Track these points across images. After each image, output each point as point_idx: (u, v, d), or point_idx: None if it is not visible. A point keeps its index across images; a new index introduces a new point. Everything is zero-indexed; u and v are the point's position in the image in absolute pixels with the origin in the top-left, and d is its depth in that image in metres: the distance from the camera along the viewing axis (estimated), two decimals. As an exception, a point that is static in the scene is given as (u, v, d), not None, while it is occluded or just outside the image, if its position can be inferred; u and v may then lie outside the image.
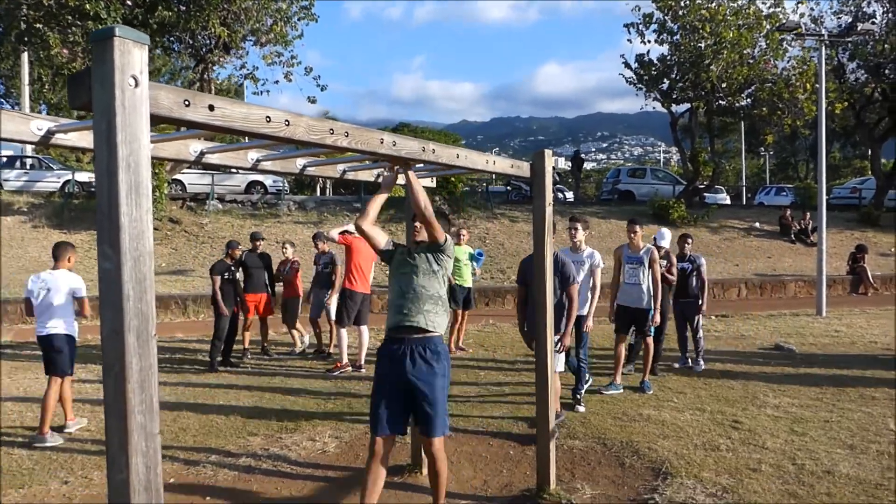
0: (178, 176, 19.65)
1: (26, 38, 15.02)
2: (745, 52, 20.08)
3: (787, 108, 20.91)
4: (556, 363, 5.10)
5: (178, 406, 6.35)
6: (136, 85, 1.73)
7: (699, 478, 4.41)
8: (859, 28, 15.69)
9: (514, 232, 18.74)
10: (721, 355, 8.59)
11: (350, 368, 7.90)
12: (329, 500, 4.24)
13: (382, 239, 3.69)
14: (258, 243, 8.97)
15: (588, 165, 48.95)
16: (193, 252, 16.36)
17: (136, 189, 1.73)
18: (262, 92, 18.10)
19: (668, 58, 21.78)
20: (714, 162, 23.78)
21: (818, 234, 13.77)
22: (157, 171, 15.50)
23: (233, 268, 8.38)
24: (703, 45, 20.20)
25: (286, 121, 2.32)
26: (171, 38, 16.53)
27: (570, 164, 30.66)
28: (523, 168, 4.15)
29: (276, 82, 18.15)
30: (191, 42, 16.78)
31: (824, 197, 13.79)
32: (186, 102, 1.96)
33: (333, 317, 8.32)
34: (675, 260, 7.74)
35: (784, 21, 19.26)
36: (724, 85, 20.80)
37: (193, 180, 20.60)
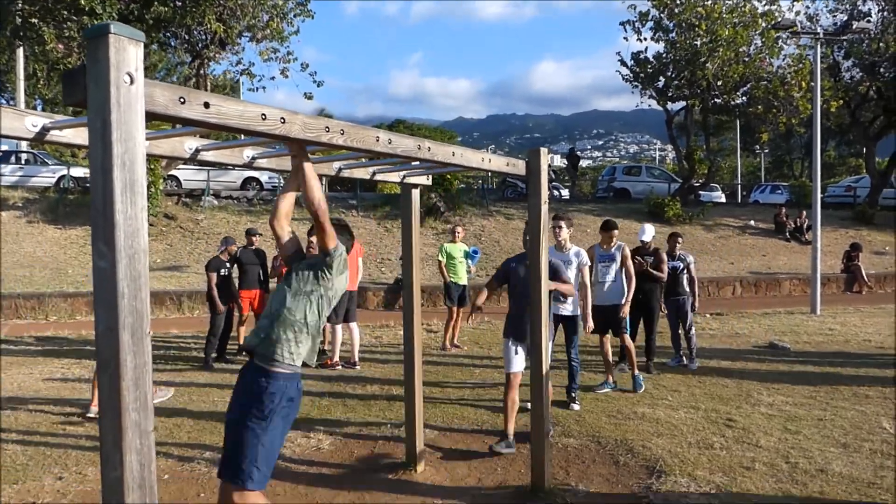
0: (173, 172, 19.58)
1: (21, 33, 14.93)
2: (740, 49, 20.11)
3: (783, 106, 20.96)
4: (516, 364, 5.00)
5: (173, 401, 6.35)
6: (132, 82, 1.72)
7: (693, 476, 4.43)
8: (854, 26, 15.72)
9: (509, 229, 18.74)
10: (715, 353, 8.62)
11: (340, 367, 7.92)
12: (323, 497, 4.24)
13: (288, 241, 3.13)
14: (254, 239, 8.94)
15: (584, 163, 48.96)
16: (189, 248, 16.32)
17: (131, 187, 1.73)
18: (258, 88, 18.05)
19: (664, 55, 21.81)
20: (709, 160, 23.80)
21: (813, 232, 13.83)
22: (152, 166, 15.44)
23: (228, 264, 8.36)
24: (698, 42, 20.23)
25: (282, 118, 2.31)
26: (167, 34, 16.45)
27: (565, 161, 30.64)
28: (519, 166, 4.15)
29: (273, 78, 18.08)
30: (187, 38, 16.71)
31: (819, 195, 13.84)
32: (182, 100, 1.96)
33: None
34: (664, 256, 7.71)
35: (779, 19, 19.26)
36: (719, 83, 20.83)
37: (189, 176, 20.55)
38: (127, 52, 1.72)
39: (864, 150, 26.70)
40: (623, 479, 4.44)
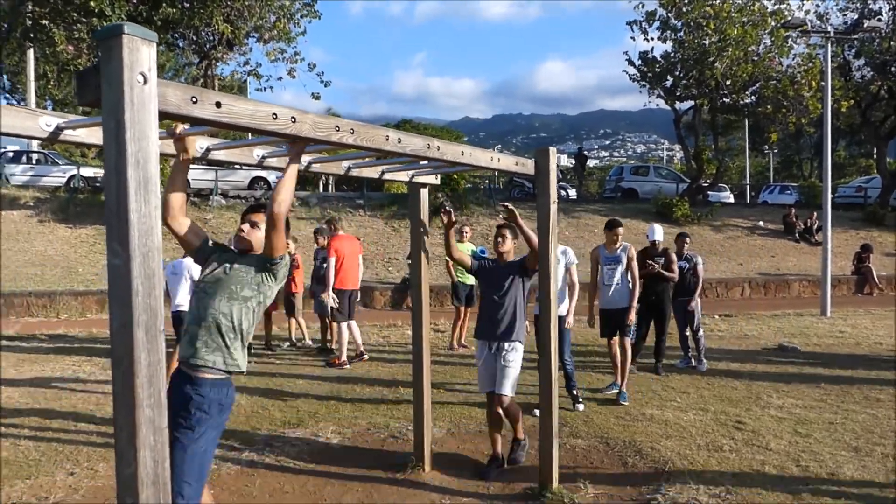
0: (181, 171, 19.66)
1: (32, 35, 15.05)
2: (749, 49, 20.02)
3: (792, 105, 20.86)
4: (508, 387, 4.56)
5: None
6: (145, 82, 1.74)
7: (702, 478, 4.41)
8: (865, 25, 15.66)
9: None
10: (724, 355, 8.59)
11: (348, 366, 7.94)
12: (332, 495, 4.25)
13: (189, 232, 2.85)
14: None
15: (590, 163, 48.89)
16: (197, 248, 16.39)
17: (145, 185, 1.74)
18: (265, 88, 18.13)
19: (672, 55, 21.74)
20: (718, 160, 23.72)
21: (823, 233, 13.75)
22: (161, 166, 15.54)
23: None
24: (707, 42, 20.15)
25: (292, 118, 2.32)
26: (175, 35, 16.54)
27: (572, 161, 30.59)
28: (527, 165, 4.15)
29: (280, 79, 18.16)
30: (194, 39, 16.80)
31: (829, 195, 13.75)
32: (194, 99, 1.97)
33: (329, 314, 8.37)
34: (674, 256, 7.64)
35: (789, 18, 19.18)
36: (728, 82, 20.75)
37: (197, 176, 20.63)
38: (140, 53, 1.73)
39: (875, 150, 26.55)
40: (631, 481, 4.43)
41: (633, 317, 6.57)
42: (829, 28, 15.34)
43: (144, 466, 1.77)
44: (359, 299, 8.80)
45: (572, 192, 26.37)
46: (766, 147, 43.51)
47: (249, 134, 2.84)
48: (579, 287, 6.28)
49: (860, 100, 22.98)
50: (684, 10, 20.19)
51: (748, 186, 35.60)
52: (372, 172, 4.09)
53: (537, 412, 5.64)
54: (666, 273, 7.43)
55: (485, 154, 3.75)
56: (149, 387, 1.77)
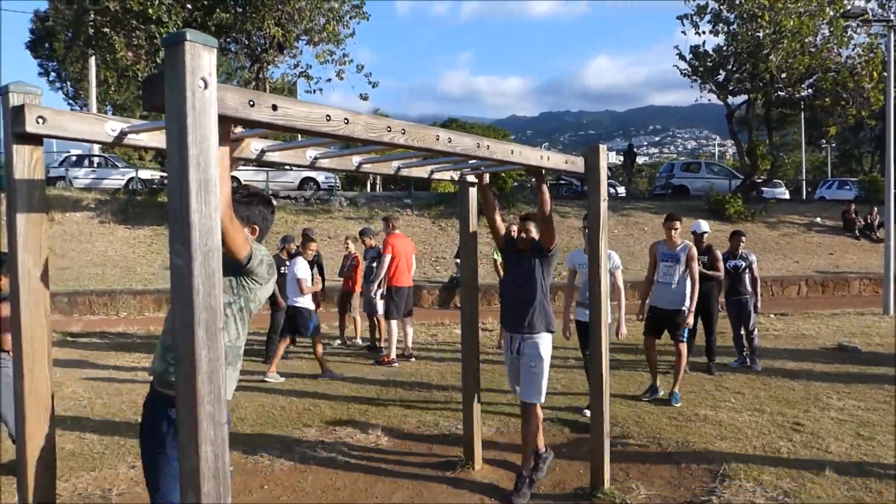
0: (234, 173, 20.16)
1: (94, 42, 15.66)
2: (806, 40, 19.39)
3: (852, 98, 20.12)
4: (534, 393, 4.24)
5: (235, 396, 6.54)
6: (206, 87, 1.79)
7: (759, 481, 4.30)
8: (931, 13, 14.94)
9: (564, 227, 18.55)
10: (781, 355, 8.34)
11: (397, 364, 8.00)
12: (382, 492, 4.30)
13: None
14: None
15: (640, 160, 48.05)
16: (249, 247, 16.76)
17: (206, 187, 1.79)
18: (314, 90, 18.45)
19: (725, 48, 21.21)
20: (772, 155, 23.04)
21: (886, 229, 13.21)
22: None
23: (287, 262, 8.55)
24: (761, 34, 19.59)
25: (345, 119, 2.36)
26: (228, 39, 16.97)
27: (621, 158, 30.13)
28: (577, 163, 4.12)
29: (329, 80, 18.45)
30: (246, 42, 17.20)
31: (892, 190, 13.18)
32: (251, 103, 2.02)
33: (381, 311, 8.47)
34: (718, 254, 7.37)
35: (849, 7, 18.47)
36: (783, 75, 20.15)
37: (249, 177, 21.11)
38: (201, 58, 1.78)
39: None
40: (685, 483, 4.35)
41: (690, 320, 6.30)
42: (892, 16, 14.71)
43: (206, 460, 1.82)
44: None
45: (621, 190, 25.97)
46: (824, 141, 42.00)
47: (299, 135, 2.90)
48: (626, 291, 6.09)
49: (925, 90, 21.97)
50: (737, 1, 19.67)
51: (804, 182, 34.49)
52: (421, 172, 4.12)
53: (588, 412, 5.56)
54: (709, 272, 7.15)
55: (535, 152, 3.73)
56: (209, 383, 1.82)
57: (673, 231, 6.37)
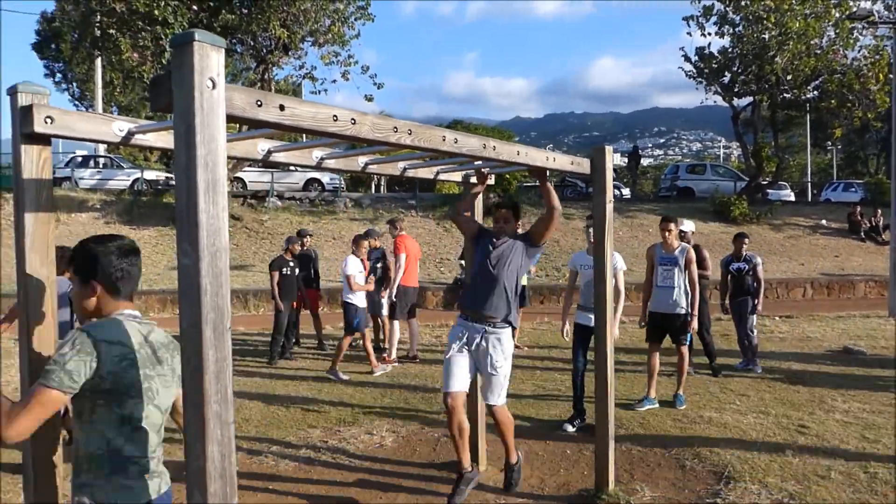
0: (239, 174, 20.23)
1: (100, 44, 15.71)
2: (812, 42, 19.36)
3: (858, 100, 20.08)
4: (497, 395, 4.01)
5: (240, 397, 6.55)
6: (214, 87, 1.79)
7: (764, 483, 4.29)
8: (938, 15, 14.90)
9: (569, 229, 18.56)
10: (786, 357, 8.32)
11: (398, 364, 8.03)
12: (386, 493, 4.30)
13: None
14: (305, 240, 9.18)
15: (645, 161, 47.98)
16: (254, 248, 16.80)
17: (213, 187, 1.79)
18: (319, 91, 18.45)
19: (730, 50, 21.18)
20: (777, 157, 22.98)
21: (891, 231, 13.16)
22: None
23: (291, 263, 8.57)
24: (767, 36, 19.57)
25: (352, 119, 2.36)
26: (233, 41, 17.00)
27: (625, 160, 30.10)
28: (583, 164, 4.11)
29: (334, 81, 18.44)
30: (252, 44, 17.22)
31: (898, 193, 13.14)
32: (259, 103, 2.02)
33: (386, 312, 8.47)
34: (706, 253, 7.27)
35: (855, 9, 18.44)
36: (789, 77, 20.10)
37: (254, 178, 21.17)
38: (210, 59, 1.78)
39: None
40: (690, 485, 4.34)
41: (695, 325, 6.20)
42: (899, 18, 14.67)
43: (212, 461, 1.82)
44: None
45: (626, 192, 25.96)
46: (829, 143, 41.90)
47: (304, 136, 2.91)
48: (625, 293, 5.89)
49: (932, 92, 21.90)
50: (743, 3, 19.64)
51: (810, 184, 34.39)
52: (427, 173, 4.12)
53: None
54: (697, 272, 7.01)
55: (540, 153, 3.73)
56: (216, 383, 1.82)
57: (667, 233, 6.26)
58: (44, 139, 2.37)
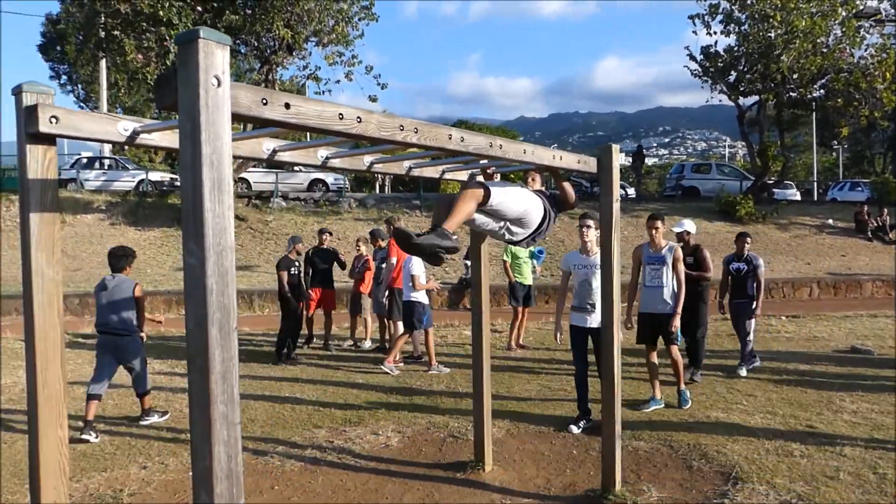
0: (244, 175, 20.25)
1: (104, 45, 15.75)
2: (818, 40, 19.26)
3: (865, 98, 19.98)
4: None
5: (245, 397, 6.54)
6: (219, 85, 1.78)
7: (772, 484, 4.26)
8: (945, 13, 14.82)
9: (574, 228, 18.45)
10: (792, 357, 8.26)
11: (402, 364, 8.02)
12: (392, 494, 4.28)
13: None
14: (324, 238, 9.21)
15: (650, 161, 47.87)
16: (259, 248, 16.82)
17: (219, 185, 1.78)
18: (323, 91, 18.47)
19: (736, 49, 21.10)
20: (783, 156, 22.87)
21: (898, 231, 13.08)
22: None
23: (297, 263, 8.57)
24: (773, 34, 19.48)
25: (358, 118, 2.34)
26: (237, 41, 17.03)
27: (630, 159, 30.03)
28: (590, 163, 4.09)
29: (338, 82, 18.63)
30: (256, 44, 17.25)
31: (905, 192, 13.07)
32: (264, 101, 2.01)
33: (388, 313, 8.50)
34: (706, 254, 7.15)
35: (862, 7, 18.35)
36: (795, 76, 20.02)
37: (258, 178, 21.19)
38: (215, 56, 1.77)
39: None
40: (697, 485, 4.31)
41: (677, 323, 6.08)
42: (905, 16, 14.59)
43: (219, 461, 1.81)
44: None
45: (631, 191, 25.90)
46: (835, 142, 41.71)
47: (308, 136, 2.89)
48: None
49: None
50: (749, 1, 19.57)
51: (816, 183, 34.25)
52: (433, 172, 4.10)
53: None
54: (696, 273, 6.89)
55: (547, 152, 3.71)
56: (222, 383, 1.81)
57: (654, 231, 6.16)
58: (49, 139, 2.36)
